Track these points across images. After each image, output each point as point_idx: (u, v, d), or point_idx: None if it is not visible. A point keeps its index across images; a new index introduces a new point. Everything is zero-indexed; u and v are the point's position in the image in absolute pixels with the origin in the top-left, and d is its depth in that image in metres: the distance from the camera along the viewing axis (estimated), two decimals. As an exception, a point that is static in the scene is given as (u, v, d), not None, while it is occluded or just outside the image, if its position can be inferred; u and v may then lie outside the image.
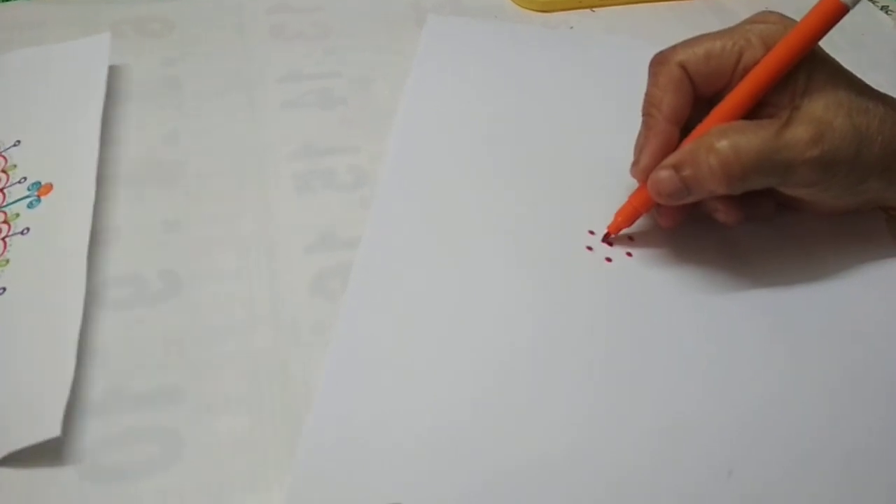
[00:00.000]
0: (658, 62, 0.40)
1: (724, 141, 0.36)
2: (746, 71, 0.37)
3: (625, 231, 0.42)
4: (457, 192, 0.44)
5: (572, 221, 0.43)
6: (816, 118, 0.36)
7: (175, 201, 0.43)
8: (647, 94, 0.40)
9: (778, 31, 0.37)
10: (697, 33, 0.40)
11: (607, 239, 0.42)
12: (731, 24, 0.40)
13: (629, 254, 0.42)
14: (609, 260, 0.41)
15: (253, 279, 0.40)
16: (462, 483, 0.33)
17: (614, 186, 0.43)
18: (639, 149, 0.40)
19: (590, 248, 0.42)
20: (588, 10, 0.58)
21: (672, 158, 0.38)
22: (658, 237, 0.42)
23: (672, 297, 0.40)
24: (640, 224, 0.42)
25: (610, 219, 0.42)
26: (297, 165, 0.45)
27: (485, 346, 0.38)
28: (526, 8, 0.57)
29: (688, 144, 0.38)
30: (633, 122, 0.41)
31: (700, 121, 0.39)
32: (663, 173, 0.38)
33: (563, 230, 0.42)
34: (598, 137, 0.47)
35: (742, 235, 0.42)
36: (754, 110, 0.37)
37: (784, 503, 0.34)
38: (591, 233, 0.42)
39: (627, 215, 0.41)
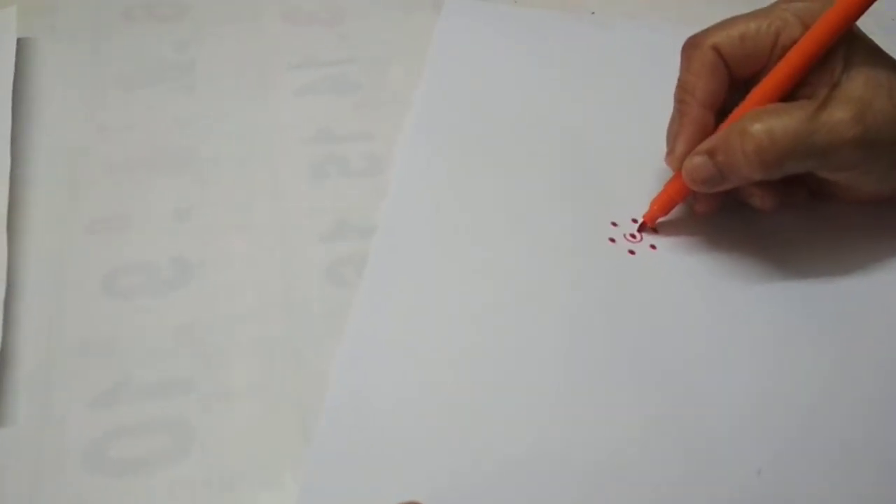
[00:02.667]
0: (690, 46, 0.38)
1: (757, 125, 0.35)
2: (784, 51, 0.36)
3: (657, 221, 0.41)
4: (474, 180, 0.42)
5: (594, 212, 0.41)
6: (856, 98, 0.34)
7: (187, 188, 0.42)
8: (679, 80, 0.39)
9: (816, 8, 0.36)
10: (723, 14, 0.39)
11: (643, 229, 0.40)
12: (760, 3, 0.38)
13: (653, 246, 0.40)
14: (632, 253, 0.40)
15: (266, 267, 0.38)
16: (480, 472, 0.32)
17: (639, 176, 0.42)
18: (673, 136, 0.39)
19: (612, 240, 0.40)
20: (610, -6, 0.56)
21: (706, 144, 0.37)
22: (683, 229, 0.41)
23: (697, 292, 0.39)
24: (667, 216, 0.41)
25: (633, 209, 0.41)
26: (312, 152, 0.44)
27: (502, 337, 0.36)
28: (546, -8, 0.56)
29: (723, 129, 0.37)
30: (657, 109, 0.40)
31: (736, 104, 0.37)
32: (697, 160, 0.37)
33: (584, 221, 0.41)
34: (621, 125, 0.46)
35: (774, 227, 0.41)
36: (792, 91, 0.36)
37: (816, 502, 0.32)
38: (614, 224, 0.41)
39: (663, 204, 0.40)
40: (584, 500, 0.32)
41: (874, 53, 0.36)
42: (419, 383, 0.35)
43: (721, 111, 0.38)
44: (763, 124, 0.35)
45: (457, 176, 0.43)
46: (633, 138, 0.44)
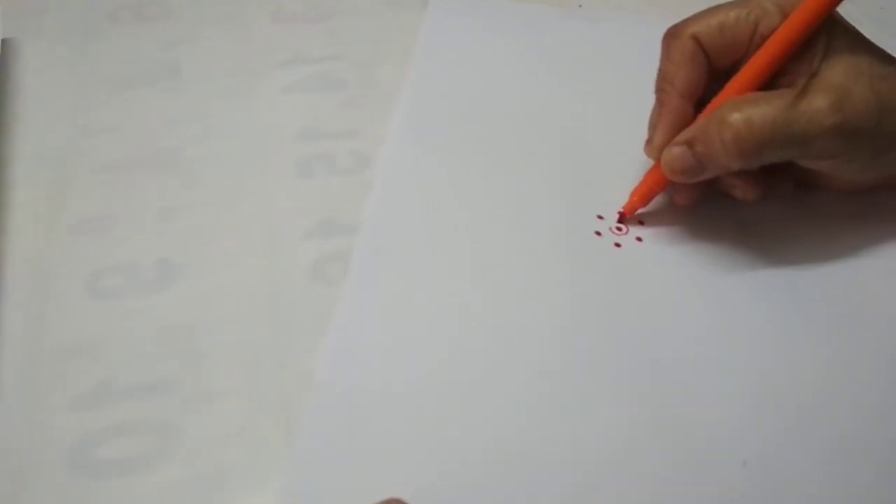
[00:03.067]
0: (670, 36, 0.38)
1: (736, 114, 0.35)
2: (763, 40, 0.36)
3: (637, 212, 0.40)
4: (460, 175, 0.42)
5: (580, 206, 0.41)
6: (835, 86, 0.34)
7: (172, 188, 0.42)
8: (659, 70, 0.39)
9: None
10: (706, 5, 0.38)
11: (622, 220, 0.40)
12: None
13: (639, 239, 0.40)
14: (618, 245, 0.40)
15: (251, 266, 0.38)
16: (467, 471, 0.32)
17: (625, 169, 0.42)
18: (652, 126, 0.39)
19: (598, 234, 0.40)
20: (597, -13, 0.56)
21: (685, 134, 0.37)
22: (669, 221, 0.41)
23: (683, 284, 0.38)
24: (651, 207, 0.41)
25: (620, 202, 0.40)
26: (298, 150, 0.44)
27: (488, 333, 0.36)
28: (533, -14, 0.56)
29: (702, 119, 0.36)
30: (645, 102, 0.40)
31: (716, 94, 0.37)
32: (676, 150, 0.36)
33: (570, 215, 0.41)
34: (609, 119, 0.46)
35: (759, 218, 0.41)
36: (771, 80, 0.36)
37: (804, 494, 0.32)
38: (600, 217, 0.41)
39: (643, 195, 0.40)
40: (572, 495, 0.32)
41: (855, 41, 0.36)
42: (404, 382, 0.34)
43: (701, 101, 0.38)
44: (741, 113, 0.34)
45: (442, 172, 0.42)
46: (620, 130, 0.44)
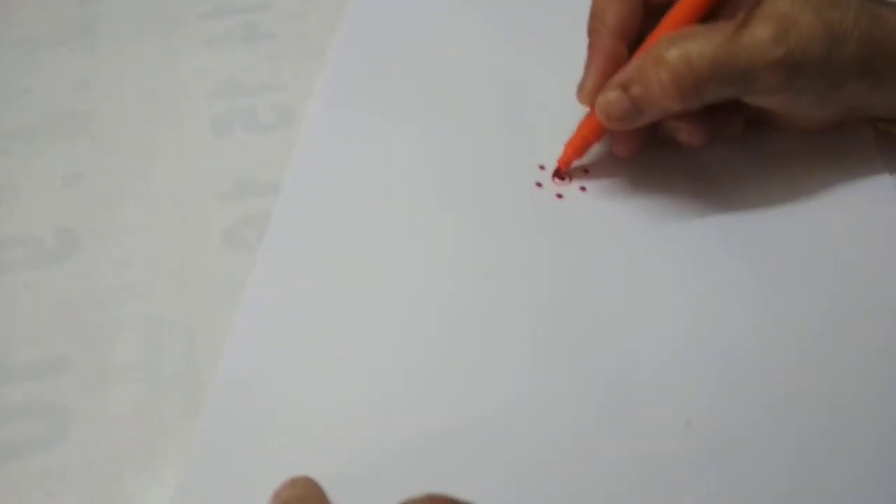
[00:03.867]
0: None
1: (673, 50, 0.32)
2: (701, -32, 0.33)
3: (578, 163, 0.38)
4: (392, 130, 0.40)
5: (520, 157, 0.39)
6: (779, 14, 0.31)
7: (80, 153, 0.39)
8: (591, 7, 0.36)
9: None
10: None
11: (559, 174, 0.37)
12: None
13: (583, 188, 0.37)
14: (560, 196, 0.37)
15: (159, 234, 0.36)
16: (395, 448, 0.30)
17: (568, 116, 0.39)
18: (584, 70, 0.36)
19: (539, 185, 0.37)
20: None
21: (619, 77, 0.34)
22: (615, 168, 0.38)
23: (629, 236, 0.36)
24: (595, 154, 0.38)
25: (560, 150, 0.37)
26: (217, 106, 0.41)
27: (419, 296, 0.34)
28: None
29: (637, 59, 0.33)
30: (584, 46, 0.37)
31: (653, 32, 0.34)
32: (611, 95, 0.34)
33: (509, 167, 0.38)
34: (550, 65, 0.42)
35: (710, 160, 0.38)
36: (713, 13, 0.33)
37: (750, 455, 0.30)
38: (542, 168, 0.38)
39: (578, 146, 0.37)
40: (497, 466, 0.30)
41: (802, -36, 0.33)
42: (318, 358, 0.32)
43: (637, 41, 0.35)
44: (679, 49, 0.32)
45: (372, 129, 0.40)
46: (562, 77, 0.40)
